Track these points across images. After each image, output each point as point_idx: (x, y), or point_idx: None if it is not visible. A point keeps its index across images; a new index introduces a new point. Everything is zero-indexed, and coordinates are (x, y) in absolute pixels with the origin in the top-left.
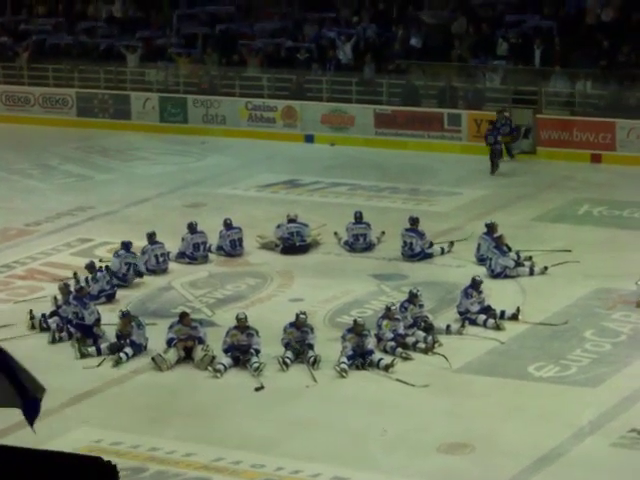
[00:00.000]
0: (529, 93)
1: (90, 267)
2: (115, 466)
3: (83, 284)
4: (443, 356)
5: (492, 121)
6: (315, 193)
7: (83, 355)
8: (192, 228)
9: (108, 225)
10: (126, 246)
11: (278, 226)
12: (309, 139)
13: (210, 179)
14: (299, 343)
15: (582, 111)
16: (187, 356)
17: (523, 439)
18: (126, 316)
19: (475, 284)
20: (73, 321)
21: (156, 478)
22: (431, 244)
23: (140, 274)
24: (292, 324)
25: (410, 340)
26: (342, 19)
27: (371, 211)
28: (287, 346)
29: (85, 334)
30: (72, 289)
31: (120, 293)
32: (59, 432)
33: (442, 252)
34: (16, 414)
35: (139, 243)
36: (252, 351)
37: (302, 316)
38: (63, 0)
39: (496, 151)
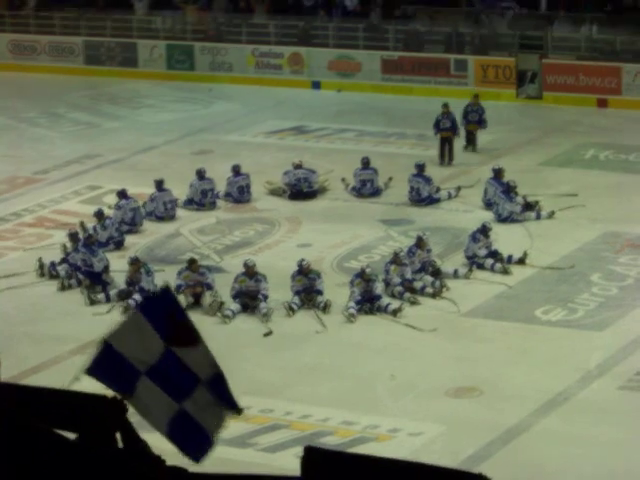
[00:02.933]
0: (535, 38)
1: (99, 214)
2: (122, 400)
3: (91, 232)
4: (451, 300)
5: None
6: (322, 139)
7: (92, 302)
8: (200, 175)
9: (116, 173)
10: (123, 194)
11: (285, 172)
12: (316, 85)
13: (217, 126)
14: (307, 290)
15: (588, 56)
16: (196, 302)
17: (531, 382)
18: (135, 262)
19: (484, 229)
20: (82, 268)
21: None
22: (438, 189)
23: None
24: (299, 271)
25: (418, 285)
26: None
27: (378, 157)
28: (297, 294)
29: (94, 281)
30: (81, 237)
31: (128, 240)
32: (69, 379)
33: (449, 197)
34: (28, 361)
35: (147, 190)
36: (260, 297)
37: (305, 263)
38: None
39: (451, 140)
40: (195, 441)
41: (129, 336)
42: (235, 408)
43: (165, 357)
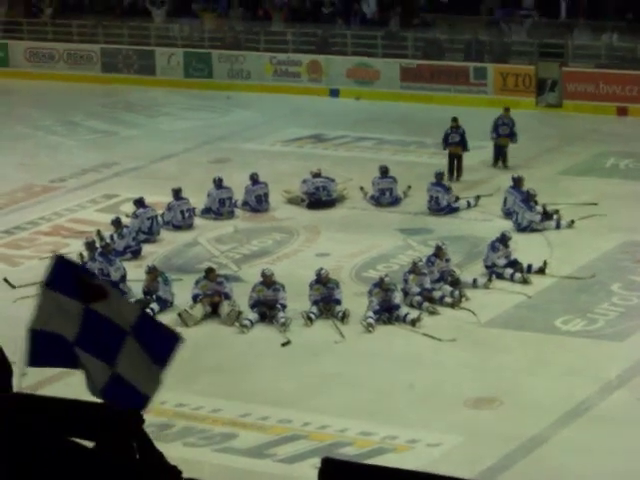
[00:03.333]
0: (555, 46)
1: (116, 223)
2: (138, 411)
3: (108, 241)
4: (470, 311)
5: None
6: (341, 147)
7: None
8: (218, 183)
9: (133, 181)
10: (141, 203)
11: (304, 181)
12: (334, 93)
13: (235, 134)
14: (325, 299)
15: (608, 64)
16: (213, 312)
17: (550, 393)
18: (152, 271)
19: (504, 238)
20: (99, 277)
21: (183, 434)
22: (457, 198)
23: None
24: (317, 280)
25: (437, 294)
26: None
27: (397, 165)
28: (316, 303)
29: None
30: (97, 245)
31: (146, 249)
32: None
33: (468, 206)
34: (45, 370)
35: (164, 199)
36: (278, 306)
37: (323, 271)
38: None
39: (460, 155)
40: (128, 402)
41: (49, 313)
42: (175, 339)
43: (87, 316)
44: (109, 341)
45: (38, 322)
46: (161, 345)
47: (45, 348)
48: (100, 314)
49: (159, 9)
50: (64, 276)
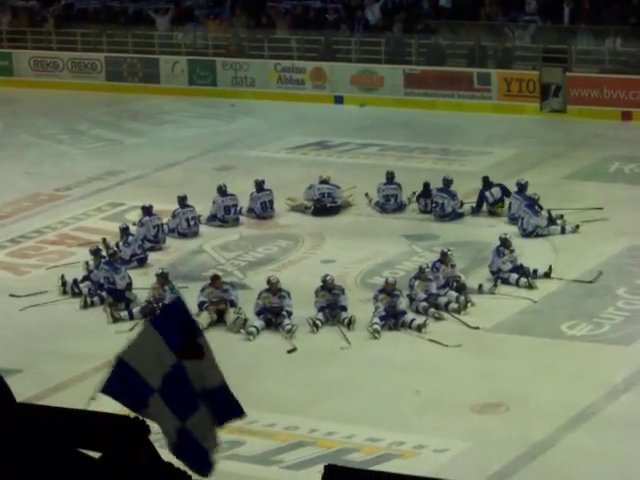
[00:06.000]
0: (559, 51)
1: (124, 230)
2: (144, 421)
3: (114, 249)
4: (463, 322)
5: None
6: (345, 154)
7: (115, 319)
8: (222, 191)
9: (138, 189)
10: (148, 211)
11: (310, 187)
12: (338, 100)
13: (240, 141)
14: (331, 306)
15: (612, 68)
16: (219, 319)
17: (557, 398)
18: (163, 276)
19: (505, 242)
20: (105, 286)
21: None
22: (462, 204)
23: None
24: (323, 287)
25: (442, 300)
26: None
27: (402, 171)
28: (321, 310)
29: (117, 299)
30: (103, 253)
31: (152, 257)
32: (86, 400)
33: (472, 211)
34: (52, 379)
35: (170, 207)
36: (284, 313)
37: (329, 278)
38: None
39: None
40: (198, 458)
41: (142, 351)
42: (240, 414)
43: (174, 371)
44: (185, 400)
45: (129, 354)
46: (227, 412)
47: (122, 382)
48: (186, 374)
49: (162, 17)
50: (172, 320)
